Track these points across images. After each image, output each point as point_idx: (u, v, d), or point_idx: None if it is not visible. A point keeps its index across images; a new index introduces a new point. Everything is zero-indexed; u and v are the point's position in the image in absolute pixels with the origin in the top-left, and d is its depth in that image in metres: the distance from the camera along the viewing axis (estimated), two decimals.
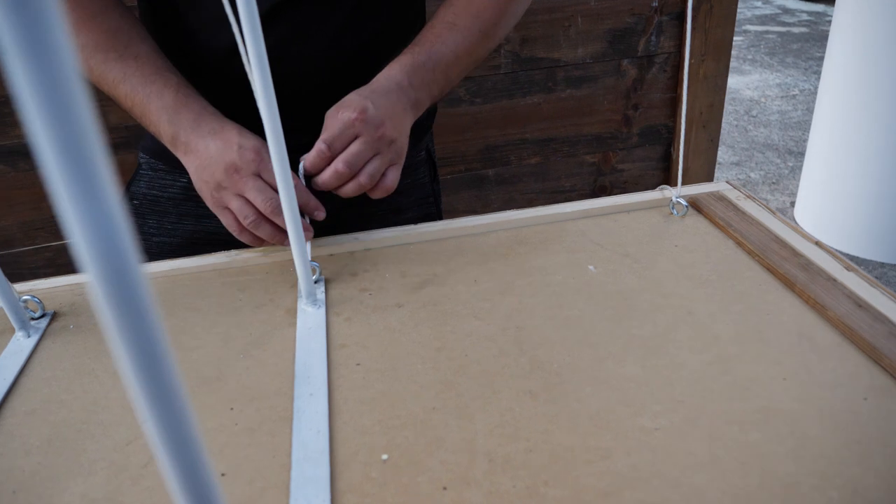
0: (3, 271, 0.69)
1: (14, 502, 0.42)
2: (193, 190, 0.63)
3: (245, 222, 0.59)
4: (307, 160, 0.60)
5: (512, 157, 1.52)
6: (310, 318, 0.56)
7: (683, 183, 0.68)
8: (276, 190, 0.55)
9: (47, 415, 0.48)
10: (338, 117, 0.59)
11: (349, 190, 0.60)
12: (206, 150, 0.59)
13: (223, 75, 0.66)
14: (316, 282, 0.60)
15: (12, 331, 0.56)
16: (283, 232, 0.59)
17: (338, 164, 0.58)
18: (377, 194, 0.62)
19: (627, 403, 0.45)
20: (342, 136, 0.59)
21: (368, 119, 0.59)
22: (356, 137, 0.59)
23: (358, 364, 0.51)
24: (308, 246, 0.59)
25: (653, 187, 0.73)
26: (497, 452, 0.42)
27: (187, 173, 0.62)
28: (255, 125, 0.68)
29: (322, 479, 0.41)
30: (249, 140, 0.59)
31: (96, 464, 0.44)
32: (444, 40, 0.66)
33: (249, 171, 0.58)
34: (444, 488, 0.40)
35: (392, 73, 0.64)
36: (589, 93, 1.47)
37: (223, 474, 0.42)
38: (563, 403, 0.45)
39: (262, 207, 0.58)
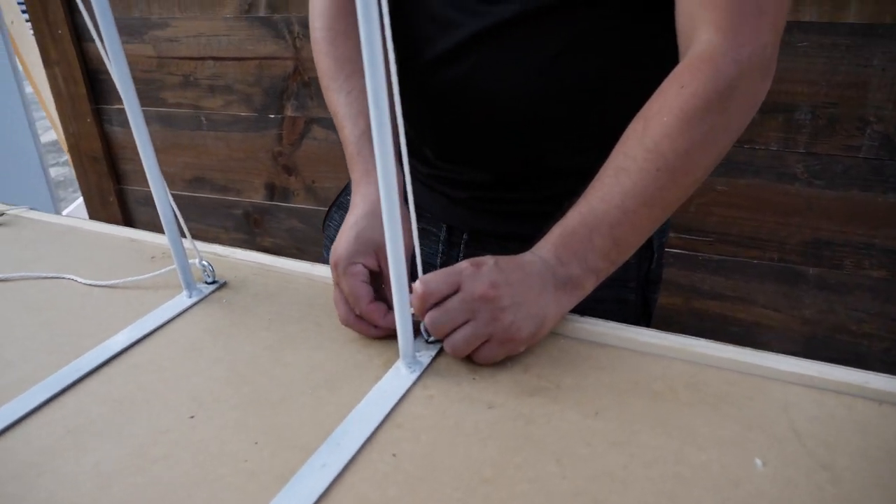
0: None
1: (60, 441, 0.46)
2: None
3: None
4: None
5: (847, 262, 1.20)
6: (395, 381, 0.50)
7: None
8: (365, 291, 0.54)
9: (140, 374, 0.52)
10: (457, 264, 0.51)
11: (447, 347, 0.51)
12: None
13: (425, 88, 0.65)
14: (432, 342, 0.54)
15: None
16: (375, 327, 0.55)
17: (426, 319, 0.50)
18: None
19: None
20: (442, 281, 0.50)
21: (480, 275, 0.49)
22: (457, 290, 0.50)
23: (394, 455, 0.44)
24: None
25: None
26: None
27: None
28: (447, 138, 0.64)
29: None
30: (340, 245, 0.55)
31: (127, 439, 0.46)
32: (606, 194, 0.52)
33: (334, 278, 0.56)
34: None
35: (538, 248, 0.53)
36: None
37: None
38: None
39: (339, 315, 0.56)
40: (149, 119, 1.65)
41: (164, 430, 0.46)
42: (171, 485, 0.42)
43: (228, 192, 1.67)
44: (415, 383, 0.50)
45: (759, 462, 0.42)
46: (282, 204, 1.62)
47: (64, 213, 2.30)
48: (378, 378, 0.51)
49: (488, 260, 0.51)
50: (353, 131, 0.61)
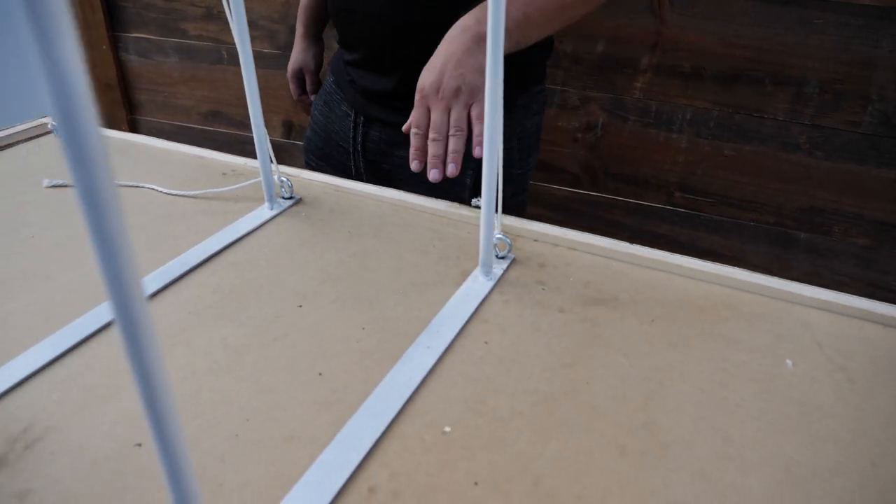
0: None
1: (185, 319, 0.52)
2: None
3: None
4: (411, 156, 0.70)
5: (836, 230, 1.30)
6: (475, 286, 0.57)
7: None
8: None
9: (242, 271, 0.58)
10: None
11: (455, 146, 0.67)
12: None
13: None
14: (502, 258, 0.61)
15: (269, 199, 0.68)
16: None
17: (430, 137, 0.67)
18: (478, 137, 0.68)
19: None
20: (418, 114, 0.68)
21: (427, 90, 0.67)
22: (429, 109, 0.68)
23: (486, 342, 0.51)
24: (498, 220, 0.60)
25: None
26: (546, 484, 0.39)
27: None
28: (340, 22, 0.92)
29: (374, 430, 0.43)
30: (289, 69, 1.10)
31: (245, 321, 0.52)
32: None
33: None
34: (476, 483, 0.39)
35: (461, 18, 0.70)
36: None
37: (320, 374, 0.47)
38: (644, 473, 0.40)
39: None
40: (167, 50, 1.66)
41: (277, 316, 0.53)
42: (294, 358, 0.48)
43: (244, 128, 1.70)
44: (492, 290, 0.57)
45: (789, 363, 0.50)
46: (299, 143, 1.66)
47: None
48: (458, 285, 0.58)
49: (424, 77, 0.67)
50: None
